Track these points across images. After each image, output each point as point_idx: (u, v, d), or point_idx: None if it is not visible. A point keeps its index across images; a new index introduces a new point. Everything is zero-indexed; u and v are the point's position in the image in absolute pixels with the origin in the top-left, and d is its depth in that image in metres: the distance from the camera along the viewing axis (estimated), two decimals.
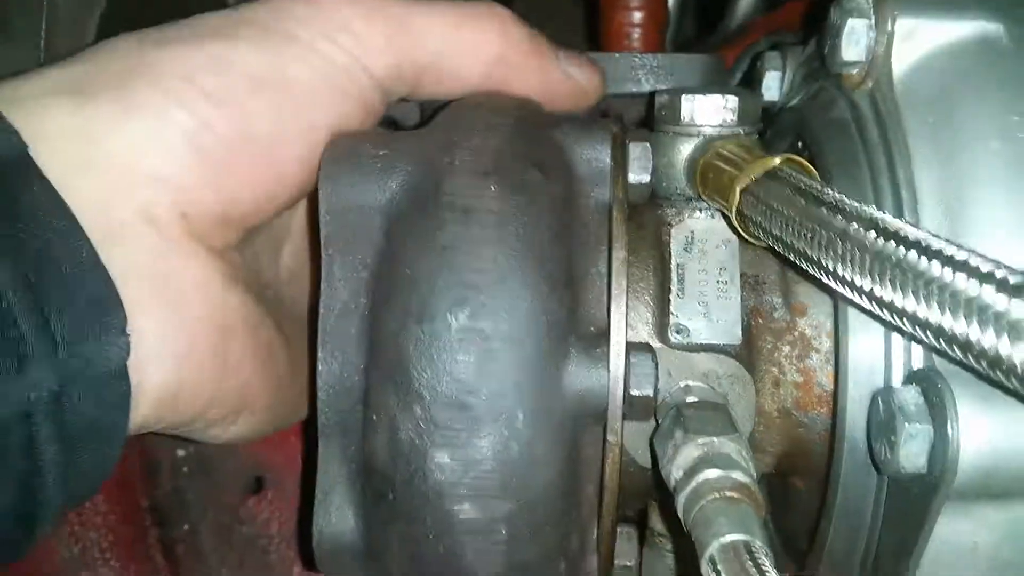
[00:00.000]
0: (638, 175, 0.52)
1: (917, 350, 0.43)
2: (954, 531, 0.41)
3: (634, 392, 0.47)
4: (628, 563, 0.51)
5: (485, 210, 0.46)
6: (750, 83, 0.67)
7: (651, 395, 0.47)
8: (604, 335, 0.48)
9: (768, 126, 0.61)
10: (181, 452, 0.77)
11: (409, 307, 0.46)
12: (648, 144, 0.52)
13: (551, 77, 0.57)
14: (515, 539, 0.46)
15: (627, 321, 0.48)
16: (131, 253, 0.47)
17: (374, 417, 0.48)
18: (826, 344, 0.51)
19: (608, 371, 0.47)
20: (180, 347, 0.49)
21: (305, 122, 0.51)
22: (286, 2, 0.53)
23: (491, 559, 0.46)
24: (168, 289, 0.48)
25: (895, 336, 0.44)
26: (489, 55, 0.55)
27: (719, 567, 0.37)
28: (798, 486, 0.56)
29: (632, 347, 0.48)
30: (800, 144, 0.56)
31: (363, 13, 0.53)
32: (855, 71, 0.49)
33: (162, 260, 0.48)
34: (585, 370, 0.47)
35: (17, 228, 0.43)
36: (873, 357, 0.44)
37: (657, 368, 0.47)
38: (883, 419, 0.41)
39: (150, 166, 0.48)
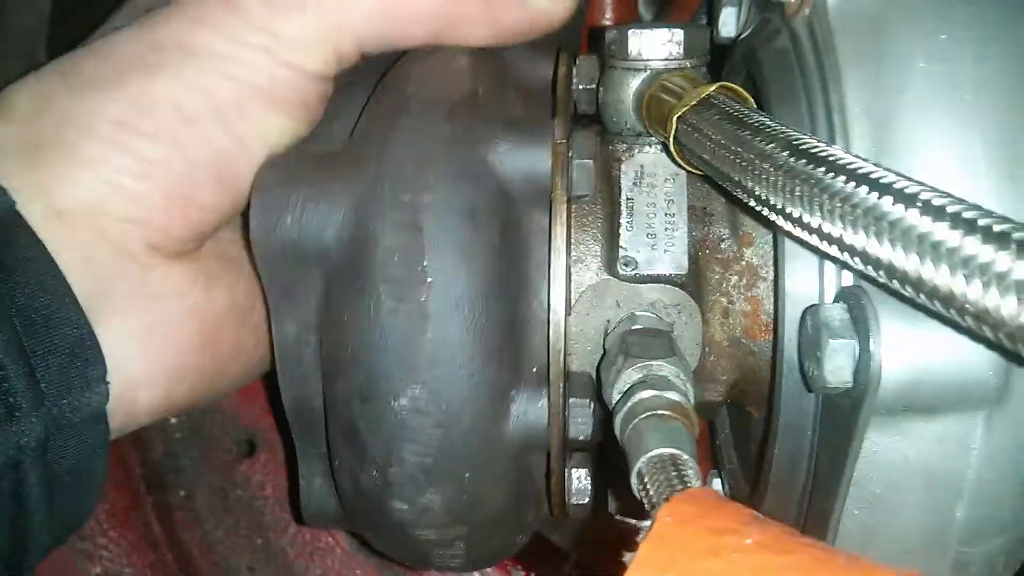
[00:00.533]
0: (580, 191, 0.51)
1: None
2: (884, 446, 0.43)
3: (572, 437, 0.50)
4: (582, 502, 0.53)
5: (419, 285, 0.47)
6: (712, 21, 0.67)
7: (588, 438, 0.50)
8: (545, 378, 0.50)
9: (725, 62, 0.61)
10: (172, 419, 0.79)
11: (353, 383, 0.48)
12: (591, 163, 0.50)
13: (506, 15, 0.54)
14: (473, 547, 0.52)
15: (565, 356, 0.50)
16: (114, 293, 0.49)
17: (336, 460, 0.52)
18: (772, 273, 0.52)
19: (548, 419, 0.50)
20: (168, 370, 0.52)
21: (247, 134, 0.51)
22: (200, 8, 0.50)
23: (454, 561, 0.52)
24: (152, 318, 0.51)
25: None
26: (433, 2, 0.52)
27: (645, 479, 0.38)
28: (754, 415, 0.57)
29: (572, 384, 0.50)
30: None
31: (281, 8, 0.49)
32: None
33: (142, 291, 0.51)
34: (527, 417, 0.50)
35: (6, 283, 0.45)
36: (809, 280, 0.45)
37: (594, 412, 0.50)
38: (810, 336, 0.42)
39: (114, 211, 0.49)
